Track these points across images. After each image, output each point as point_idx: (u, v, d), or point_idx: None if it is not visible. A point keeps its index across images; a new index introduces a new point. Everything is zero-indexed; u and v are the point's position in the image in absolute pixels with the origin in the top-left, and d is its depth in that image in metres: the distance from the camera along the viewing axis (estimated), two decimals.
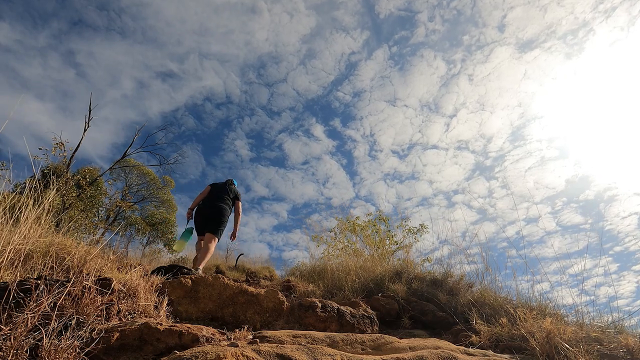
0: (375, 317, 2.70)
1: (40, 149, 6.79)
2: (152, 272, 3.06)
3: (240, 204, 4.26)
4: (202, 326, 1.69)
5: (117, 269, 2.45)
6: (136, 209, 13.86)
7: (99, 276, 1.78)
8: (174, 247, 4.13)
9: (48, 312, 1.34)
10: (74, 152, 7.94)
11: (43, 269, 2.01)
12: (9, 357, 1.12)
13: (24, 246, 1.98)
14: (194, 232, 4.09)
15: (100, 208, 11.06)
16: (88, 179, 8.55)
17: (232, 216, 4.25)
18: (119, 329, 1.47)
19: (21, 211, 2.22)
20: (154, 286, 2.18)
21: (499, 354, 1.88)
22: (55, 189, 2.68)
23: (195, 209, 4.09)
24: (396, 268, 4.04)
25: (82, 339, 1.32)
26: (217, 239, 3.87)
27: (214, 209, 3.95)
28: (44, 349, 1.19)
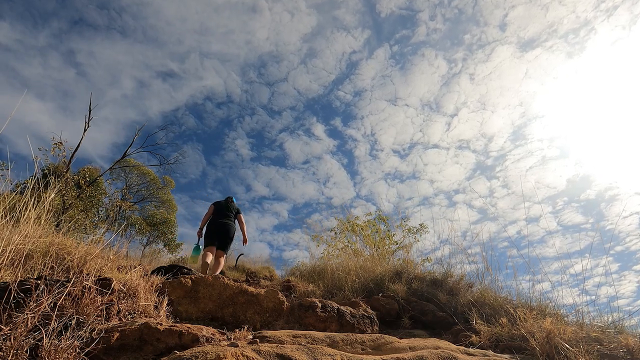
0: (375, 317, 2.70)
1: (40, 149, 6.78)
2: (152, 272, 3.07)
3: (242, 216, 4.93)
4: (202, 326, 1.69)
5: (117, 269, 2.45)
6: (136, 209, 13.85)
7: (99, 276, 1.78)
8: (188, 261, 4.87)
9: (48, 312, 1.34)
10: (73, 152, 7.94)
11: (43, 269, 2.01)
12: (9, 357, 1.12)
13: (24, 246, 1.98)
14: (202, 246, 4.79)
15: (100, 208, 11.05)
16: (88, 179, 8.54)
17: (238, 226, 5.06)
18: (119, 329, 1.47)
19: (21, 211, 2.22)
20: (154, 286, 2.18)
21: (499, 354, 1.88)
22: (56, 189, 2.68)
23: (205, 227, 4.78)
24: (396, 268, 4.04)
25: (82, 339, 1.32)
26: (225, 255, 4.63)
27: (221, 227, 4.63)
28: (44, 349, 1.20)
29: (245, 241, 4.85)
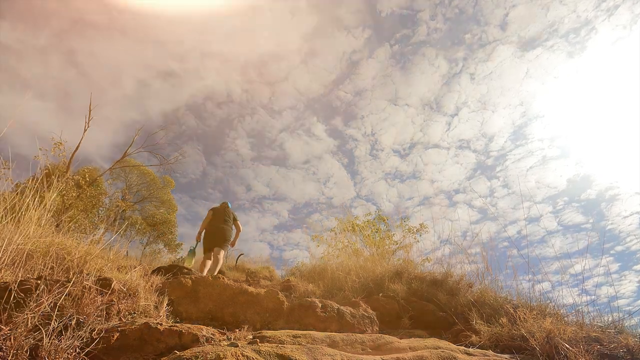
0: (375, 317, 2.70)
1: (40, 149, 6.77)
2: (152, 272, 3.07)
3: (238, 223, 5.28)
4: (202, 326, 1.69)
5: (117, 269, 2.45)
6: (136, 209, 13.84)
7: (99, 276, 1.78)
8: (185, 264, 4.94)
9: (48, 312, 1.34)
10: (74, 152, 7.93)
11: (43, 269, 2.01)
12: (9, 357, 1.12)
13: (25, 246, 1.98)
14: (198, 250, 5.05)
15: (101, 208, 11.06)
16: (87, 179, 8.55)
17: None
18: (119, 329, 1.47)
19: (22, 211, 2.22)
20: (154, 286, 2.18)
21: (499, 354, 1.88)
22: (57, 190, 2.68)
23: (204, 231, 5.03)
24: (396, 268, 4.04)
25: (82, 339, 1.32)
26: (224, 252, 4.81)
27: (219, 231, 4.91)
28: (44, 349, 1.20)
29: (232, 244, 5.17)
